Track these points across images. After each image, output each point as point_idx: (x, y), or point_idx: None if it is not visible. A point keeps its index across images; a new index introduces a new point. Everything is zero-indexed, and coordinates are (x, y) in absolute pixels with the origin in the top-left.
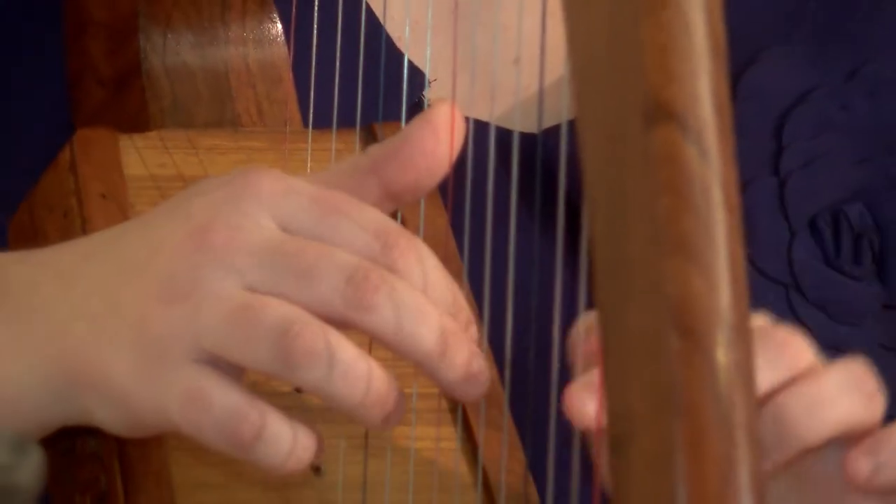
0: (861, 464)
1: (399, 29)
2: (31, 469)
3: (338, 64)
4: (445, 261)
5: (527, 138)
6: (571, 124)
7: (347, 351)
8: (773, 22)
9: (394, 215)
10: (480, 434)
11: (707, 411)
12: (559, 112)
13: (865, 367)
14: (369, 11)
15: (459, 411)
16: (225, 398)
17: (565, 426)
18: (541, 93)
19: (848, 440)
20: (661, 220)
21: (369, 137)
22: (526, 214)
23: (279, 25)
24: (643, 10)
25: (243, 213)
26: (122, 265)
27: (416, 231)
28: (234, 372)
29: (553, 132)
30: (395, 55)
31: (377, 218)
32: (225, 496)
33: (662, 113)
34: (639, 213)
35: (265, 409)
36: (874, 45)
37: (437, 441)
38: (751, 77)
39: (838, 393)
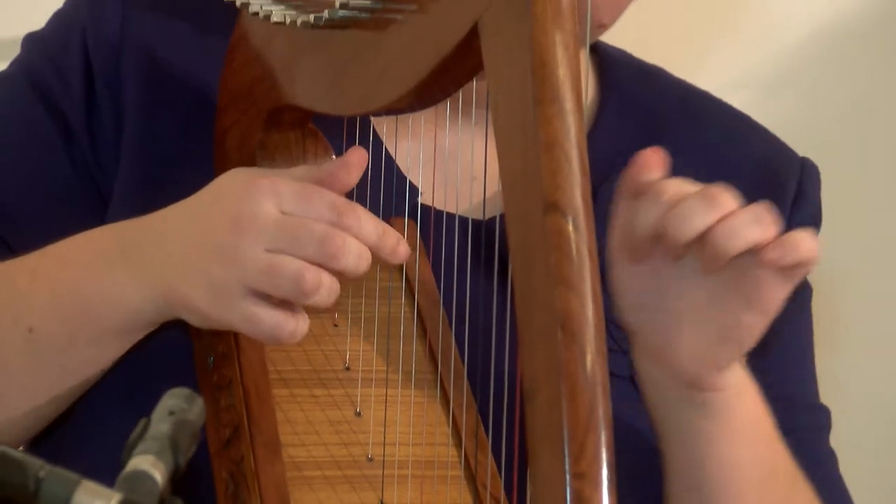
0: (771, 253)
1: (404, 162)
2: (197, 410)
3: (369, 181)
4: (429, 296)
5: (477, 223)
6: (502, 216)
7: (325, 276)
8: (620, 156)
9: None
10: (450, 388)
11: (579, 377)
12: (496, 208)
13: (766, 208)
14: (387, 153)
15: (439, 380)
16: (268, 317)
17: (498, 387)
18: (485, 198)
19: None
20: (552, 267)
21: None
22: (475, 266)
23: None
24: (542, 150)
25: (255, 206)
26: (190, 238)
27: (413, 277)
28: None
29: (492, 220)
30: (402, 177)
31: (328, 195)
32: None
33: (553, 207)
34: (540, 263)
35: (289, 315)
36: (674, 169)
37: (425, 397)
38: (605, 188)
39: (746, 225)
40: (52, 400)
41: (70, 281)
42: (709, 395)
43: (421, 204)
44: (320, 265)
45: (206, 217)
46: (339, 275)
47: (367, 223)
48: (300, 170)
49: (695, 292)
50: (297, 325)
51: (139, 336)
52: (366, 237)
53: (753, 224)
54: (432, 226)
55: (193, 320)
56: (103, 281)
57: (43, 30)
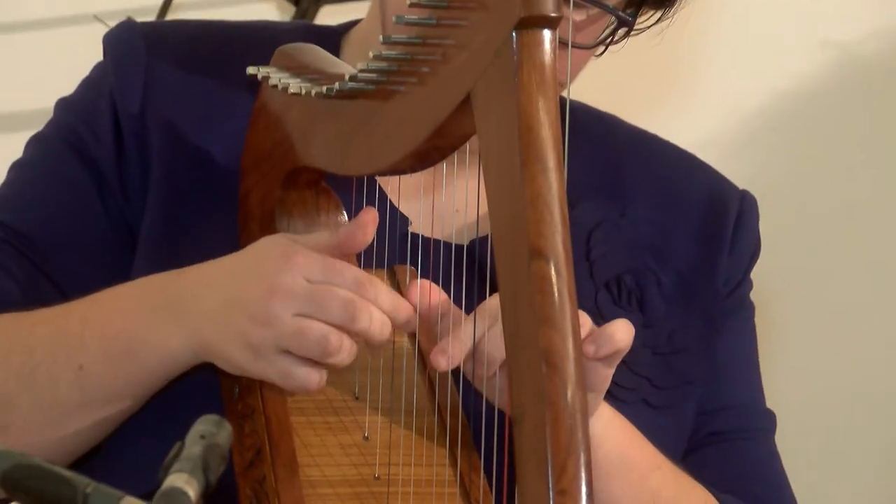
0: (588, 347)
1: (404, 207)
2: (225, 435)
3: (375, 231)
4: (428, 334)
5: (460, 247)
6: (482, 240)
7: (346, 339)
8: (585, 186)
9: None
10: (447, 416)
11: (560, 403)
12: (473, 234)
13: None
14: (391, 204)
15: (437, 409)
16: (299, 373)
17: (489, 413)
18: (477, 224)
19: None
20: (537, 307)
21: (391, 273)
22: (458, 280)
23: (345, 216)
24: (528, 204)
25: (289, 277)
26: (229, 297)
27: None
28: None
29: (472, 244)
30: (404, 218)
31: (352, 270)
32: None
33: (537, 253)
34: (525, 304)
35: (315, 370)
36: (632, 198)
37: (425, 423)
38: (573, 215)
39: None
40: (96, 426)
41: (117, 327)
42: None
43: (418, 234)
44: (343, 327)
45: (244, 280)
46: (362, 339)
47: (385, 296)
48: (323, 235)
49: None
50: (321, 377)
51: (175, 375)
52: (382, 307)
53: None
54: (431, 251)
55: (228, 369)
56: (146, 328)
57: (73, 95)
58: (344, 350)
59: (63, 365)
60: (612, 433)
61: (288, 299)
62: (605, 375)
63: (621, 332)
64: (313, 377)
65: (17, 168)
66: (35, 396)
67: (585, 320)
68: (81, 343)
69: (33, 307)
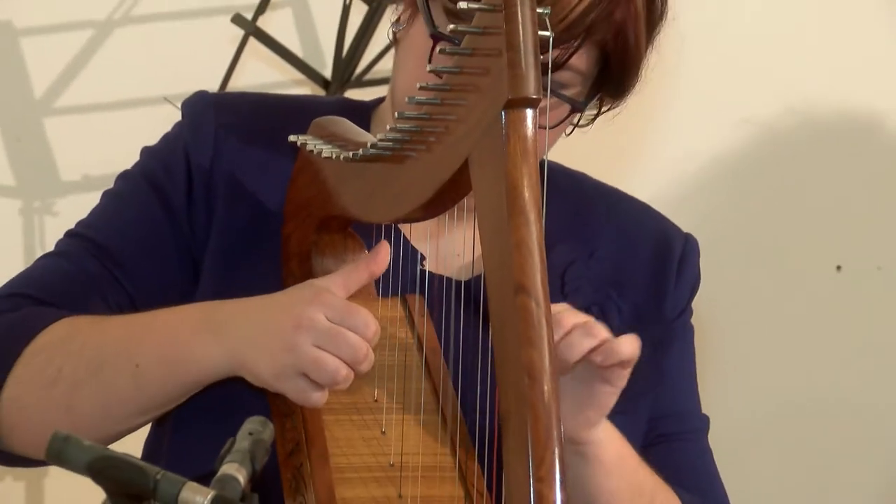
0: (596, 356)
1: (417, 244)
2: (269, 432)
3: (391, 261)
4: (433, 349)
5: (459, 282)
6: (476, 279)
7: (351, 373)
8: (559, 232)
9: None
10: (448, 415)
11: (539, 407)
12: (471, 273)
13: (593, 321)
14: (405, 239)
15: (440, 409)
16: (312, 394)
17: (482, 413)
18: (473, 264)
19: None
20: (520, 331)
21: (403, 301)
22: (457, 308)
23: (366, 253)
24: (514, 248)
25: (313, 314)
26: (263, 325)
27: (421, 335)
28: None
29: (469, 281)
30: (414, 252)
31: (364, 315)
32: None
33: (521, 289)
34: (511, 328)
35: (322, 393)
36: (597, 241)
37: (430, 421)
38: (550, 256)
39: (581, 339)
40: (144, 415)
41: (171, 338)
42: (582, 447)
43: (426, 271)
44: (349, 364)
45: (277, 313)
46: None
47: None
48: (349, 267)
49: (565, 380)
50: (326, 398)
51: (212, 382)
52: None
53: (586, 337)
54: (435, 284)
55: (256, 383)
56: (194, 343)
57: (156, 145)
58: (347, 381)
59: (124, 363)
60: (611, 437)
61: (310, 331)
62: (611, 393)
63: (626, 345)
64: (321, 399)
65: (107, 196)
66: (98, 386)
67: (602, 331)
68: (141, 347)
69: (110, 312)
